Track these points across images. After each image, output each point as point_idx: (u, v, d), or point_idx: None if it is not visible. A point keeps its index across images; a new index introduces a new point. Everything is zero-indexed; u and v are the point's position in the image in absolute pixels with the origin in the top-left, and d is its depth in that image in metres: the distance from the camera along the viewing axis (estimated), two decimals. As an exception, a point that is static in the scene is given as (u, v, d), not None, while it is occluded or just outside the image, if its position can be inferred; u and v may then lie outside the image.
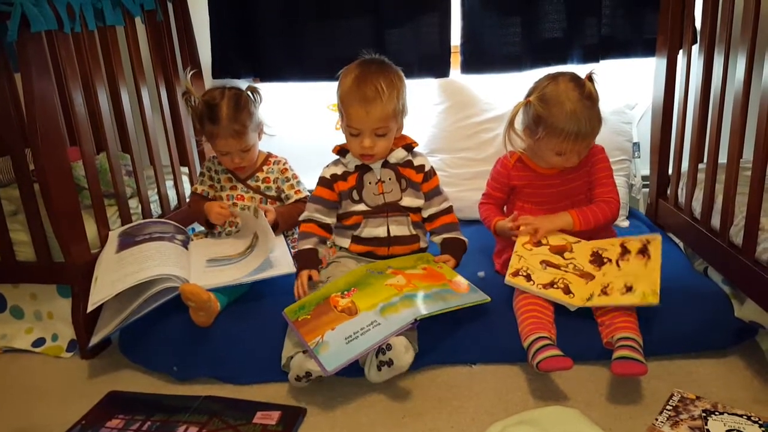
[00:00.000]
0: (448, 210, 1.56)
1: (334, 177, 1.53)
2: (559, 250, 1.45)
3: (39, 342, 1.62)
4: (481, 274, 1.55)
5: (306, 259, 1.48)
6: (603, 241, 1.47)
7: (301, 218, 1.56)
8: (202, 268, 1.54)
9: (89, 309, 1.42)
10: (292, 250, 1.58)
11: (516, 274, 1.40)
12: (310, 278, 1.44)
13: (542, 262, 1.42)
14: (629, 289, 1.31)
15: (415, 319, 1.26)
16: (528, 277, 1.39)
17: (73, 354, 1.58)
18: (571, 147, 1.43)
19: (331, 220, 1.55)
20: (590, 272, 1.40)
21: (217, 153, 1.69)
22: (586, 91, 1.42)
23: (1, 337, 1.63)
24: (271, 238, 1.50)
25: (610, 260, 1.41)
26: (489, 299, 1.36)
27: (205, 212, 1.69)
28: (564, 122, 1.40)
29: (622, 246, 1.42)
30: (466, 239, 1.55)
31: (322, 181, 1.55)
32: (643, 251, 1.38)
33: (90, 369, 1.51)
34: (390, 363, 1.25)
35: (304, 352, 1.27)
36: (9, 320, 1.66)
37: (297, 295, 1.42)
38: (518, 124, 1.52)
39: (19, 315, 1.66)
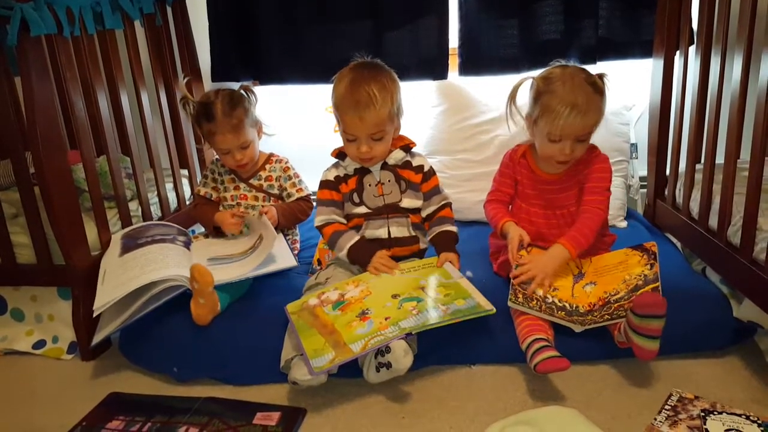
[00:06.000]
0: (445, 206, 1.55)
1: (338, 179, 1.53)
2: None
3: (39, 344, 1.62)
4: (468, 273, 1.52)
5: (365, 250, 1.48)
6: (612, 284, 1.39)
7: (318, 224, 1.54)
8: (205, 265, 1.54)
9: (95, 314, 1.42)
10: (291, 248, 1.57)
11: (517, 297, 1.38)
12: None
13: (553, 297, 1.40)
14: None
15: (409, 333, 1.25)
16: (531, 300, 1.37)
17: (73, 356, 1.59)
18: (563, 126, 1.36)
19: (345, 220, 1.55)
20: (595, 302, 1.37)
21: (218, 152, 1.70)
22: (592, 78, 1.40)
23: (1, 339, 1.64)
24: (272, 235, 1.51)
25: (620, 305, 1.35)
26: (494, 311, 1.31)
27: (217, 222, 1.71)
28: (560, 97, 1.36)
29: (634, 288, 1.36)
30: (454, 229, 1.53)
31: (328, 184, 1.54)
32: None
33: (90, 371, 1.52)
34: (389, 365, 1.25)
35: (301, 355, 1.27)
36: (10, 322, 1.67)
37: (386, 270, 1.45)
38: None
39: (19, 317, 1.66)
